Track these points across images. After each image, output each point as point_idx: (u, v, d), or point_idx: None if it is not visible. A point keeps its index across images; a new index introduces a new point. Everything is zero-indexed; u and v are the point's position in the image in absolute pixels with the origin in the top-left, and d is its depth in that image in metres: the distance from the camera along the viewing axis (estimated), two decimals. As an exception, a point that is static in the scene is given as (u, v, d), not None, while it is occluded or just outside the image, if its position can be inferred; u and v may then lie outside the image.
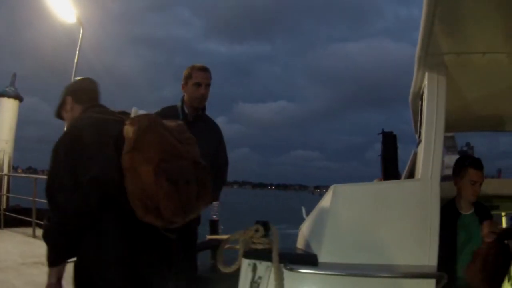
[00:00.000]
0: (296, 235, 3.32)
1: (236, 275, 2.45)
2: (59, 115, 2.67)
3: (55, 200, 2.21)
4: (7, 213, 11.29)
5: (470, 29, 2.46)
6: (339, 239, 2.44)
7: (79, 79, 2.77)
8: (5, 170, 14.85)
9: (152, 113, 2.41)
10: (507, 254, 2.60)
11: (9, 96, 15.02)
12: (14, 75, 15.60)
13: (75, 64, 13.02)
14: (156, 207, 2.08)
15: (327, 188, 2.68)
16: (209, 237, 10.99)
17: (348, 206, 2.52)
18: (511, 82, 3.01)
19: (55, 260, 2.26)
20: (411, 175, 4.03)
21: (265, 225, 2.42)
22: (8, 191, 14.20)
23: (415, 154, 3.69)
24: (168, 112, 3.54)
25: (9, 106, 15.11)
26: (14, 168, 19.30)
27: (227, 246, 2.48)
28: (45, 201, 2.30)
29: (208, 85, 3.54)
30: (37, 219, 9.55)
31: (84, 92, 2.61)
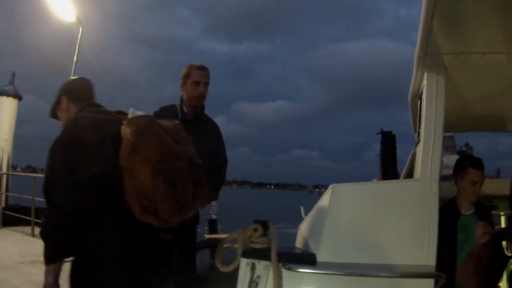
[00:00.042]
0: (295, 235, 3.32)
1: (234, 274, 2.45)
2: (54, 114, 2.67)
3: (53, 199, 2.21)
4: (6, 212, 11.28)
5: (469, 29, 2.47)
6: (338, 238, 2.45)
7: (73, 79, 2.77)
8: (4, 169, 14.85)
9: (150, 114, 2.41)
10: (501, 255, 2.60)
11: (8, 95, 15.04)
12: (13, 74, 15.61)
13: (74, 63, 13.01)
14: (153, 207, 2.09)
15: (326, 187, 2.68)
16: (208, 236, 11.00)
17: (346, 205, 2.52)
18: (510, 82, 3.02)
19: (52, 258, 2.27)
20: (410, 175, 4.03)
21: (264, 225, 2.42)
22: (7, 190, 14.20)
23: (414, 154, 3.69)
24: (167, 111, 3.54)
25: (8, 104, 15.12)
26: (13, 166, 19.30)
27: (225, 245, 2.48)
28: (44, 200, 2.30)
29: (206, 83, 3.55)
30: (36, 218, 9.55)
31: (79, 92, 2.62)
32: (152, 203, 2.08)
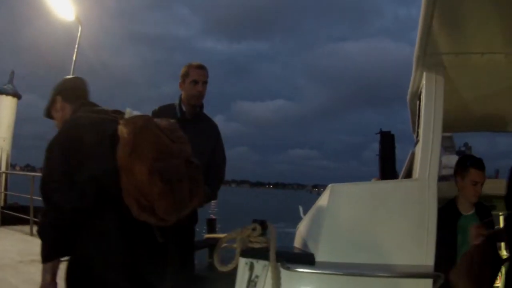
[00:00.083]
0: (293, 234, 3.32)
1: (233, 274, 2.45)
2: (48, 114, 2.67)
3: (50, 198, 2.21)
4: (5, 211, 11.28)
5: (469, 29, 2.47)
6: (336, 238, 2.44)
7: (68, 78, 2.77)
8: (3, 168, 14.85)
9: (147, 113, 2.42)
10: (496, 257, 2.58)
11: (7, 94, 15.04)
12: (12, 73, 15.61)
13: (73, 62, 13.01)
14: (151, 205, 2.11)
15: (325, 187, 2.67)
16: (206, 235, 10.98)
17: (345, 205, 2.52)
18: (510, 83, 3.02)
19: (49, 256, 2.26)
20: (408, 175, 4.03)
21: (263, 224, 2.42)
22: (6, 188, 14.20)
23: (413, 154, 3.69)
24: (166, 110, 3.54)
25: (7, 103, 15.12)
26: (12, 165, 19.28)
27: (224, 244, 2.48)
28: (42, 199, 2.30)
29: (205, 82, 3.55)
30: (35, 217, 9.56)
31: (73, 91, 2.62)
32: (149, 201, 2.10)
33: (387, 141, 4.61)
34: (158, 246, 2.38)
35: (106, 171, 2.18)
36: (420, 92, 2.90)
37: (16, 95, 15.35)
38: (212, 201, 3.87)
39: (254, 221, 2.43)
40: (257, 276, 2.40)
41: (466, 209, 3.12)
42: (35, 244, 2.25)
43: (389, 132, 4.69)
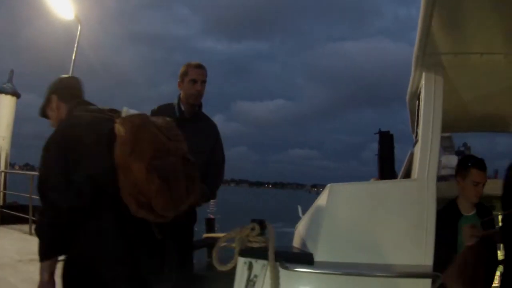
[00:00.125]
0: (292, 234, 3.32)
1: (232, 273, 2.45)
2: (43, 113, 2.67)
3: (47, 197, 2.22)
4: (4, 210, 11.24)
5: (468, 29, 2.47)
6: (335, 238, 2.45)
7: (63, 77, 2.76)
8: (2, 167, 14.82)
9: (144, 112, 2.43)
10: (490, 259, 2.56)
11: (6, 93, 15.00)
12: (12, 72, 15.58)
13: (73, 61, 13.01)
14: (148, 202, 2.13)
15: (324, 187, 2.67)
16: (205, 235, 10.96)
17: (344, 205, 2.52)
18: (509, 83, 3.02)
19: (47, 254, 2.27)
20: (407, 175, 4.03)
21: (261, 224, 2.42)
22: (5, 188, 14.16)
23: (412, 154, 3.69)
24: (165, 110, 3.54)
25: (7, 102, 15.08)
26: (11, 165, 19.24)
27: (223, 244, 2.48)
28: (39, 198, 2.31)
29: (203, 81, 3.55)
30: (34, 216, 9.53)
31: (69, 90, 2.62)
32: (147, 198, 2.12)
33: (386, 141, 4.61)
34: (156, 245, 2.38)
35: (103, 170, 2.19)
36: (419, 92, 2.90)
37: (15, 94, 15.31)
38: (211, 201, 3.87)
39: (253, 220, 2.43)
40: (255, 276, 2.40)
41: (467, 210, 3.10)
42: (34, 243, 2.25)
43: (388, 132, 4.70)
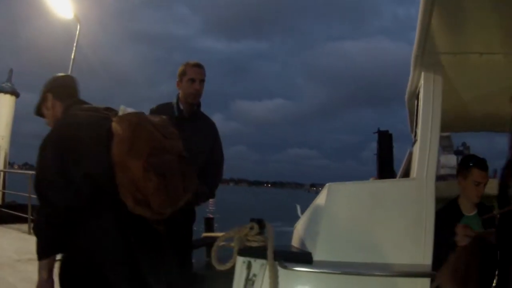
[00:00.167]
0: (291, 233, 3.32)
1: (231, 272, 2.45)
2: (39, 112, 2.67)
3: (44, 196, 2.23)
4: (3, 209, 11.23)
5: (467, 29, 2.47)
6: (334, 237, 2.44)
7: (58, 76, 2.76)
8: (1, 166, 14.81)
9: (141, 111, 2.44)
10: (486, 260, 2.54)
11: (5, 92, 14.99)
12: (11, 71, 15.57)
13: (72, 60, 12.99)
14: (146, 199, 2.15)
15: (323, 186, 2.68)
16: (204, 234, 10.96)
17: (343, 204, 2.52)
18: (508, 83, 3.01)
19: (44, 253, 2.27)
20: (406, 174, 4.03)
21: (260, 223, 2.42)
22: (3, 187, 14.16)
23: (411, 154, 3.69)
24: (164, 109, 3.54)
25: (6, 102, 15.08)
26: (10, 164, 19.23)
27: (222, 243, 2.48)
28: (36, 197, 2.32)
29: (202, 80, 3.55)
30: (32, 215, 9.53)
31: (64, 89, 2.62)
32: (144, 196, 2.14)
33: (385, 140, 4.61)
34: (156, 244, 2.39)
35: (101, 168, 2.20)
36: (418, 92, 2.90)
37: (15, 93, 15.31)
38: (210, 200, 3.87)
39: (252, 220, 2.43)
40: (254, 275, 2.40)
41: (468, 210, 3.08)
42: (33, 243, 2.26)
43: (387, 131, 4.69)
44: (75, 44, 13.24)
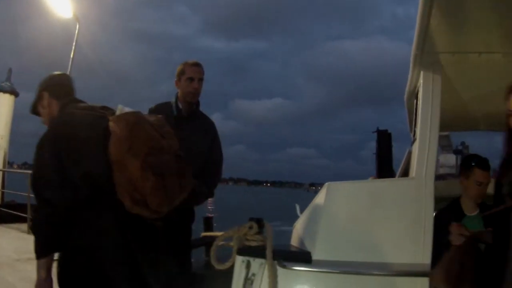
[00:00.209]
0: (290, 233, 3.32)
1: (230, 272, 2.45)
2: (35, 111, 2.66)
3: (42, 195, 2.23)
4: (2, 209, 11.21)
5: (466, 28, 2.47)
6: (333, 236, 2.45)
7: (54, 74, 2.75)
8: (0, 166, 14.81)
9: (138, 110, 2.44)
10: (479, 258, 2.52)
11: (5, 91, 14.99)
12: (10, 70, 15.57)
13: (71, 60, 12.98)
14: (143, 199, 2.15)
15: (322, 185, 2.68)
16: (203, 234, 10.95)
17: (342, 203, 2.52)
18: (507, 82, 3.01)
19: (42, 252, 2.28)
20: (405, 173, 4.03)
21: (259, 222, 2.42)
22: (3, 186, 14.15)
23: (410, 153, 3.69)
24: (162, 108, 3.53)
25: (5, 101, 15.07)
26: (9, 163, 19.22)
27: (221, 243, 2.48)
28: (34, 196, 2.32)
29: (201, 79, 3.55)
30: (32, 215, 9.52)
31: (60, 87, 2.62)
32: (142, 195, 2.14)
33: (384, 139, 4.60)
34: (155, 244, 2.39)
35: (100, 168, 2.19)
36: (417, 91, 2.90)
37: (14, 92, 15.30)
38: (209, 199, 3.86)
39: (251, 219, 2.44)
40: (253, 274, 2.40)
41: (470, 210, 3.05)
42: (32, 242, 2.25)
43: (386, 130, 4.69)
44: (74, 43, 13.23)
